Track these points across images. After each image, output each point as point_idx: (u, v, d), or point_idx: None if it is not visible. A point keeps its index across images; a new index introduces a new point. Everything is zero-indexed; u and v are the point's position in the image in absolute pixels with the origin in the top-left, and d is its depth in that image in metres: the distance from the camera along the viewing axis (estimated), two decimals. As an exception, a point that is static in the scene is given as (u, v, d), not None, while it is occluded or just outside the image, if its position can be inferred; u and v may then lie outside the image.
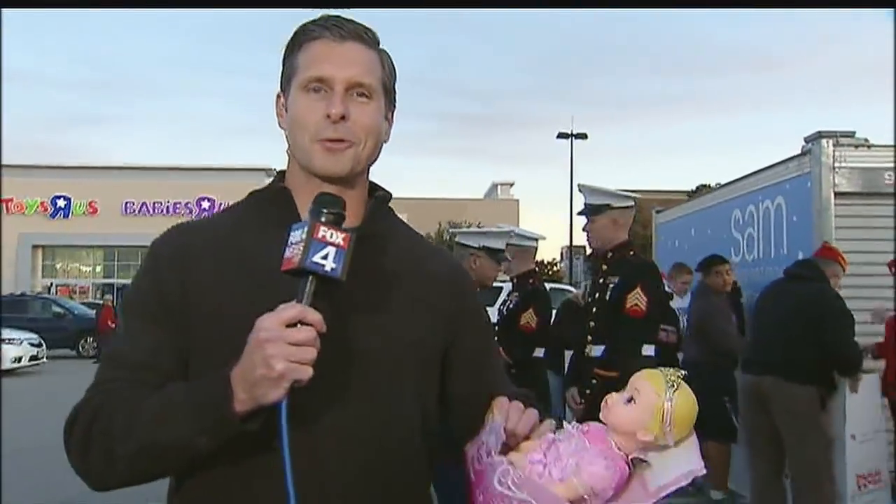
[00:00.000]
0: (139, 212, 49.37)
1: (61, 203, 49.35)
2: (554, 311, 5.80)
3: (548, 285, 8.94)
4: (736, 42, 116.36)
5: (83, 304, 25.15)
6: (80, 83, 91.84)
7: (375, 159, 1.39)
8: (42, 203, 49.08)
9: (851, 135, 6.18)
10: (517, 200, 52.51)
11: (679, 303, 7.01)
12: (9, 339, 16.99)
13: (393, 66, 1.40)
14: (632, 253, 4.38)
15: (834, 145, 6.02)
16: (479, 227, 41.09)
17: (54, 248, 50.44)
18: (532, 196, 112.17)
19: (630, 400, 1.04)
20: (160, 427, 1.16)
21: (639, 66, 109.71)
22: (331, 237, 1.13)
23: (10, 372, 16.57)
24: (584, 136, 31.79)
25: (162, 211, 49.71)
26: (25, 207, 49.02)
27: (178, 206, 49.61)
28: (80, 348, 21.01)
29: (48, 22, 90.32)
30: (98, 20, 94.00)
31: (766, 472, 5.00)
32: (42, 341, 18.10)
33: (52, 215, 49.26)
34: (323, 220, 1.15)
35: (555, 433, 1.14)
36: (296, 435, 1.13)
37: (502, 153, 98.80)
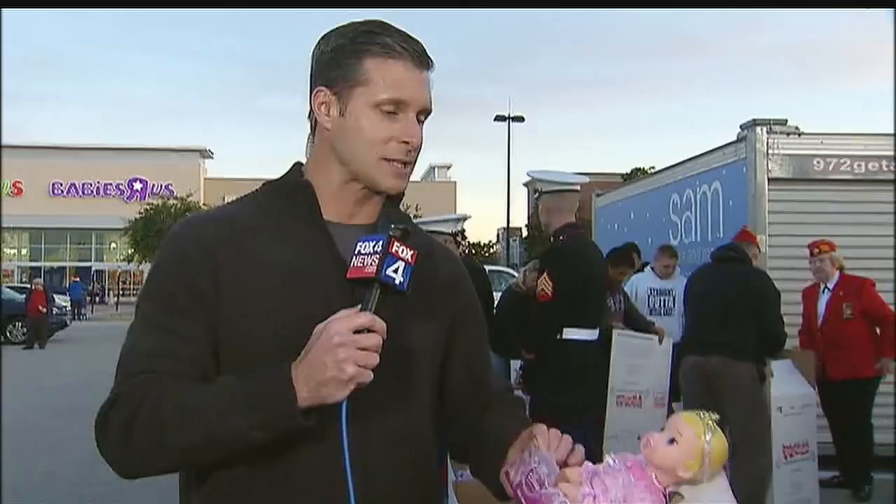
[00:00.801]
0: (67, 193, 48.01)
1: (-16, 184, 47.78)
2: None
3: (486, 267, 9.07)
4: (668, 26, 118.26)
5: (9, 287, 24.32)
6: (6, 60, 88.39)
7: None
8: (-36, 184, 47.50)
9: (784, 122, 6.44)
10: (454, 183, 52.66)
11: (662, 284, 7.01)
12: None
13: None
14: (561, 238, 4.26)
15: (768, 132, 6.28)
16: (416, 209, 40.62)
17: (-23, 230, 48.91)
18: (469, 178, 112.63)
19: (672, 441, 1.14)
20: (218, 421, 1.19)
21: (575, 50, 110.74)
22: (402, 253, 1.22)
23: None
24: (521, 119, 32.01)
25: (92, 192, 48.41)
26: (-54, 188, 47.34)
27: (108, 187, 48.36)
28: (8, 333, 20.39)
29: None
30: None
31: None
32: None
33: (-25, 196, 47.70)
34: (397, 235, 1.23)
35: (594, 463, 1.21)
36: (350, 432, 1.21)
37: (439, 136, 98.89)
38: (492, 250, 45.43)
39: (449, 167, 54.33)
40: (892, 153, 6.36)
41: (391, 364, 1.21)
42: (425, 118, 1.38)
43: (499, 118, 31.68)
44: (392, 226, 1.24)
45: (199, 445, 1.21)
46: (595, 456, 1.23)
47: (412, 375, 1.37)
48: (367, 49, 1.32)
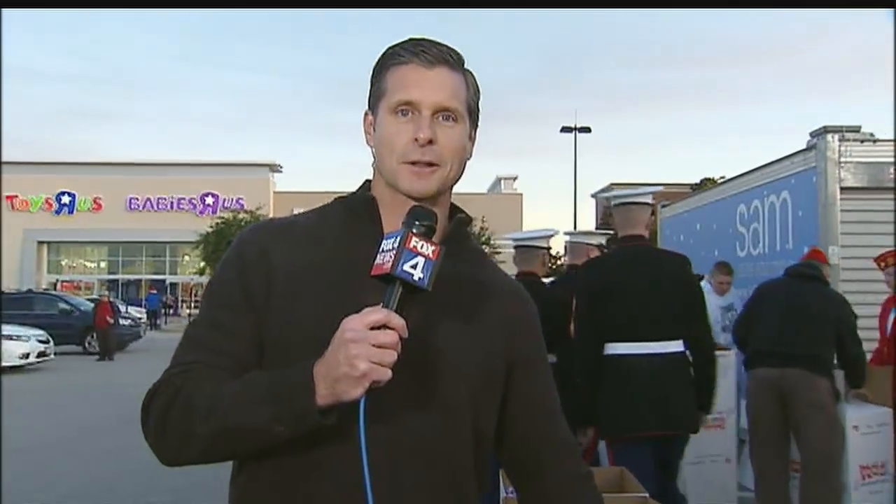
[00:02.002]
0: (143, 207, 49.41)
1: (66, 199, 49.43)
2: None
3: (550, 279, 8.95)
4: (737, 34, 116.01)
5: (89, 300, 25.15)
6: (84, 80, 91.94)
7: (459, 178, 1.45)
8: (47, 200, 49.16)
9: (857, 129, 6.19)
10: (521, 194, 52.45)
11: (724, 301, 6.95)
12: (17, 336, 17.02)
13: (477, 85, 1.46)
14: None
15: (839, 140, 6.04)
16: (482, 221, 40.47)
17: (59, 244, 50.57)
18: (536, 190, 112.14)
19: None
20: (241, 412, 1.23)
21: (642, 59, 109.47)
22: (421, 248, 1.20)
23: (18, 368, 16.67)
24: (587, 130, 31.77)
25: (166, 206, 49.77)
26: (30, 204, 49.10)
27: (182, 201, 49.66)
28: (87, 344, 21.06)
29: (52, 19, 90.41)
30: (100, 17, 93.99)
31: (774, 466, 5.03)
32: (49, 338, 18.16)
33: (57, 212, 49.37)
34: (415, 230, 1.22)
35: None
36: (371, 432, 1.21)
37: (505, 147, 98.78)
38: (559, 262, 45.08)
39: (515, 179, 54.13)
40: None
41: (417, 364, 1.21)
42: (454, 118, 1.38)
43: (565, 129, 31.48)
44: (416, 222, 1.23)
45: (224, 435, 1.25)
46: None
47: (439, 377, 1.34)
48: (386, 64, 1.40)
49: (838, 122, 6.19)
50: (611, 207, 4.38)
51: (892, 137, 6.30)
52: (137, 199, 49.37)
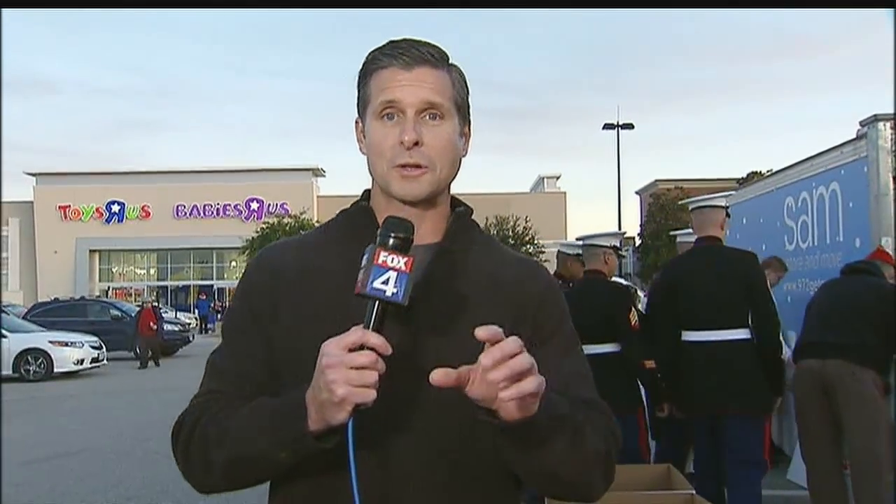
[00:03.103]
0: (190, 214, 50.22)
1: (116, 208, 50.45)
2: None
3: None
4: (779, 26, 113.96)
5: (138, 306, 25.66)
6: (131, 91, 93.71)
7: (455, 176, 1.42)
8: (97, 209, 50.23)
9: (909, 117, 6.02)
10: (564, 193, 52.16)
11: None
12: (71, 343, 17.45)
13: (464, 80, 1.42)
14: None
15: (892, 128, 5.87)
16: (526, 220, 40.11)
17: (110, 252, 51.61)
18: (579, 188, 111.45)
19: None
20: (246, 441, 1.25)
21: (685, 53, 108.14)
22: (392, 262, 1.16)
23: (73, 374, 17.07)
24: (630, 126, 31.46)
25: (212, 213, 50.50)
26: (82, 213, 50.20)
27: (227, 207, 50.34)
28: (138, 350, 21.47)
29: (97, 31, 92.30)
30: (145, 29, 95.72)
31: (826, 462, 4.89)
32: (102, 344, 18.55)
33: (108, 220, 50.42)
34: (390, 243, 1.18)
35: None
36: (366, 454, 1.21)
37: (548, 146, 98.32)
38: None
39: (558, 177, 53.87)
40: None
41: (424, 380, 1.15)
42: (440, 115, 1.35)
43: (608, 126, 31.24)
44: (391, 234, 1.19)
45: (237, 463, 1.28)
46: None
47: (453, 393, 1.24)
48: (368, 70, 1.39)
49: (889, 110, 6.03)
50: (689, 212, 4.94)
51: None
52: (184, 206, 50.18)
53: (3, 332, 17.06)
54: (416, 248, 1.27)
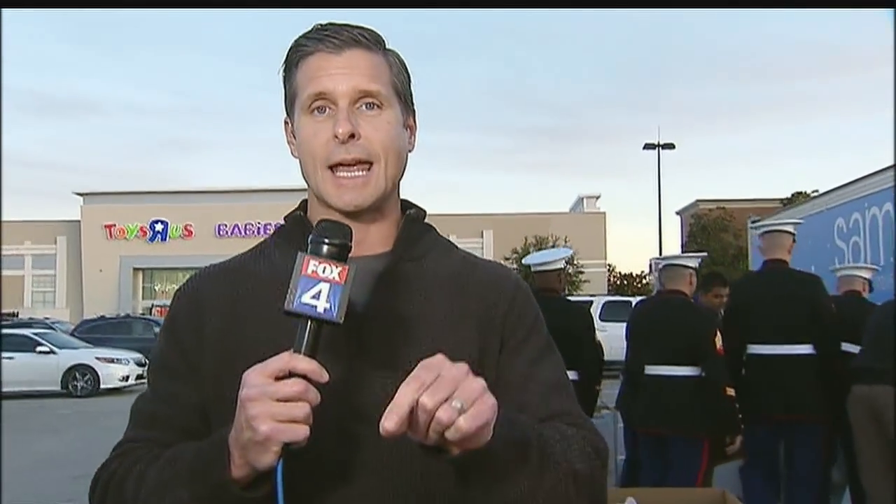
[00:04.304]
0: (231, 233, 50.87)
1: (159, 227, 51.28)
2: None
3: (638, 298, 8.82)
4: (824, 42, 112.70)
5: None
6: (172, 110, 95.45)
7: (402, 174, 1.23)
8: (141, 227, 51.07)
9: (964, 136, 5.93)
10: (604, 213, 51.88)
11: None
12: (117, 360, 17.74)
13: (403, 65, 1.25)
14: None
15: (946, 149, 5.79)
16: (566, 241, 39.87)
17: (153, 270, 52.40)
18: (619, 208, 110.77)
19: None
20: (164, 494, 1.07)
21: (726, 71, 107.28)
22: (323, 272, 0.98)
23: (118, 390, 17.31)
24: (671, 147, 31.26)
25: (254, 232, 51.05)
26: (126, 232, 51.11)
27: (268, 226, 50.84)
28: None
29: (140, 52, 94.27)
30: (184, 48, 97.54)
31: (881, 490, 4.79)
32: (147, 361, 18.79)
33: (151, 239, 51.24)
34: (323, 251, 1.00)
35: None
36: (361, 485, 1.08)
37: (587, 166, 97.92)
38: (644, 281, 44.37)
39: (598, 198, 53.58)
40: None
41: (370, 412, 0.98)
42: (378, 104, 1.17)
43: (648, 146, 31.07)
44: (325, 240, 1.01)
45: None
46: None
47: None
48: (293, 59, 1.21)
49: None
50: (757, 236, 5.53)
51: None
52: (226, 225, 50.84)
53: (53, 348, 17.45)
54: (362, 259, 1.14)
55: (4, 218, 53.67)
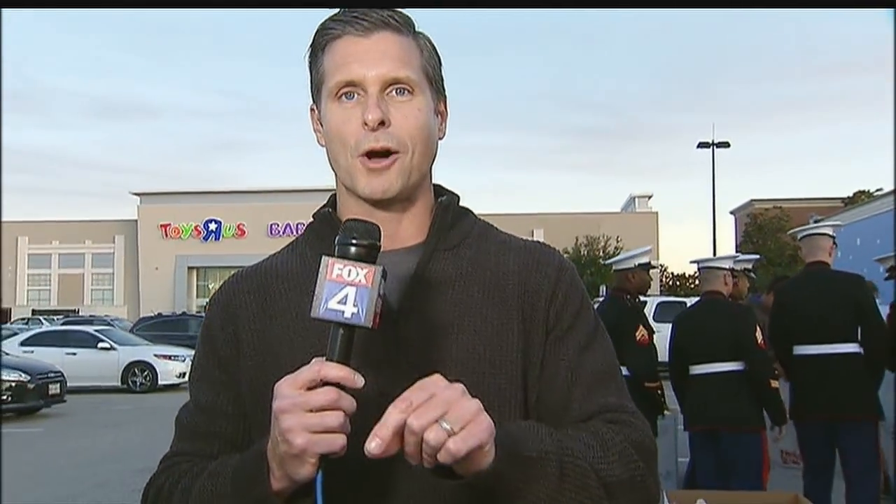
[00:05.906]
0: (283, 233, 51.45)
1: (213, 227, 52.14)
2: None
3: (694, 299, 8.68)
4: (885, 38, 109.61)
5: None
6: (224, 112, 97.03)
7: (433, 162, 1.19)
8: (196, 227, 52.01)
9: None
10: (656, 213, 51.32)
11: None
12: (174, 356, 18.11)
13: (434, 48, 1.19)
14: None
15: None
16: (618, 241, 39.62)
17: (206, 269, 53.29)
18: (672, 208, 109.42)
19: None
20: None
21: (783, 68, 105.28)
22: (348, 275, 0.93)
23: (175, 387, 17.64)
24: (726, 145, 30.71)
25: (305, 231, 51.67)
26: (181, 232, 52.08)
27: (320, 226, 51.37)
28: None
29: (192, 57, 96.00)
30: (234, 53, 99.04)
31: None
32: (203, 358, 19.13)
33: (205, 238, 52.13)
34: (351, 252, 0.95)
35: None
36: (402, 486, 1.05)
37: (639, 165, 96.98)
38: (697, 282, 43.77)
39: (650, 197, 53.04)
40: None
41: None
42: (409, 90, 1.13)
43: (702, 145, 30.62)
44: (353, 241, 0.96)
45: None
46: None
47: None
48: (319, 44, 1.16)
49: None
50: (797, 241, 5.41)
51: None
52: (278, 224, 51.46)
53: (113, 344, 17.89)
54: (395, 254, 1.12)
55: (65, 218, 55.14)
